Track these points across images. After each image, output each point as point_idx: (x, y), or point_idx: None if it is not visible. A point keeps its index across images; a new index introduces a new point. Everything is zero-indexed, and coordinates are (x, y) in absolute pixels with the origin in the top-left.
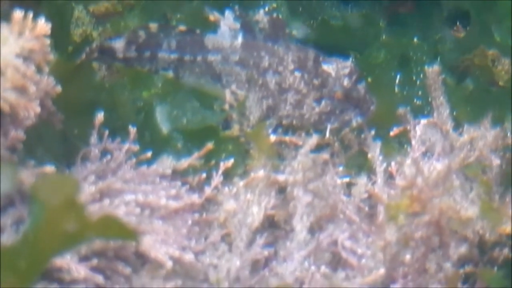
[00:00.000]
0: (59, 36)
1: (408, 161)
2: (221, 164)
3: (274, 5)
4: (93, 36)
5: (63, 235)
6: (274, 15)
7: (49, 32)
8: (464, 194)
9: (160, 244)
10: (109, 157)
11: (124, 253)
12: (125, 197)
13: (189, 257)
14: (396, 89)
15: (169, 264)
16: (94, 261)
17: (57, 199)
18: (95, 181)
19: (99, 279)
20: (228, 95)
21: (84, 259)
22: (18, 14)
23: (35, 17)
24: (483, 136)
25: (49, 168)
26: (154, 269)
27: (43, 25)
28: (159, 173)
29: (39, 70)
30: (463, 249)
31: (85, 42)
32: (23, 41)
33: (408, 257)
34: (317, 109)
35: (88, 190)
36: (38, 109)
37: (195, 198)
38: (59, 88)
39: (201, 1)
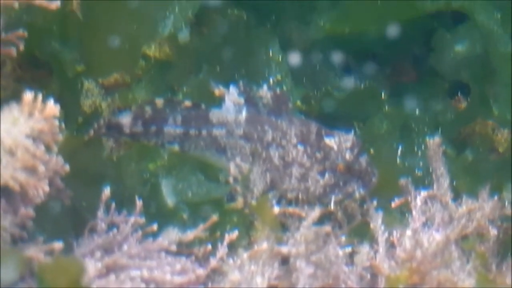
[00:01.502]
0: (69, 107)
1: (409, 232)
2: (226, 235)
3: (279, 77)
4: (102, 107)
5: None
6: (278, 90)
7: (58, 113)
8: (462, 265)
9: None
10: (115, 230)
11: None
12: (131, 273)
13: None
14: (398, 160)
15: None
16: None
17: (63, 282)
18: (101, 257)
19: None
20: (232, 168)
21: None
22: (28, 96)
23: (45, 97)
24: (481, 207)
25: (57, 244)
26: None
27: (52, 107)
28: (165, 247)
29: (48, 150)
30: None
31: (95, 113)
32: (33, 122)
33: None
34: (321, 182)
35: (94, 266)
36: (47, 188)
37: (201, 271)
38: (67, 167)
39: (207, 74)
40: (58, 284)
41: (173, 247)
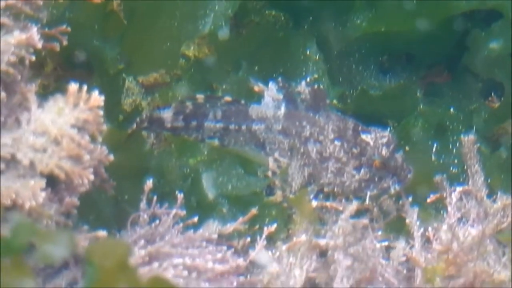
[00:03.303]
0: (111, 106)
1: (444, 226)
2: (265, 228)
3: (316, 75)
4: (142, 105)
5: None
6: (315, 86)
7: (102, 103)
8: (497, 258)
9: None
10: (157, 221)
11: None
12: (173, 261)
13: None
14: (433, 158)
15: None
16: None
17: (110, 262)
18: (145, 245)
19: None
20: (271, 163)
21: None
22: (73, 86)
23: (89, 89)
24: None
25: (101, 233)
26: None
27: (97, 97)
28: (206, 238)
29: (93, 139)
30: None
31: (135, 112)
32: (78, 112)
33: None
34: (357, 177)
35: (138, 253)
36: (91, 177)
37: (240, 261)
38: (111, 157)
39: (246, 72)
40: (105, 265)
41: (214, 237)
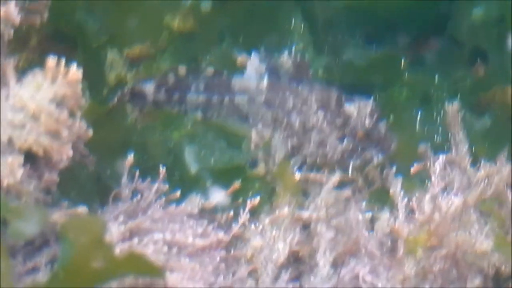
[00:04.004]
0: (94, 79)
1: (427, 196)
2: (248, 202)
3: (301, 46)
4: (126, 78)
5: (91, 272)
6: (298, 57)
7: (80, 78)
8: (480, 228)
9: (187, 280)
10: (139, 197)
11: None
12: (154, 236)
13: None
14: (417, 127)
15: None
16: None
17: (85, 238)
18: (125, 221)
19: None
20: (254, 135)
21: None
22: (51, 61)
23: (68, 63)
24: (499, 171)
25: (82, 209)
26: None
27: (75, 72)
28: (187, 212)
29: (71, 114)
30: (478, 281)
31: (119, 84)
32: (56, 87)
33: None
34: (340, 148)
35: (118, 229)
36: (70, 153)
37: (222, 235)
38: (90, 132)
39: (230, 44)
40: (80, 241)
41: (195, 211)
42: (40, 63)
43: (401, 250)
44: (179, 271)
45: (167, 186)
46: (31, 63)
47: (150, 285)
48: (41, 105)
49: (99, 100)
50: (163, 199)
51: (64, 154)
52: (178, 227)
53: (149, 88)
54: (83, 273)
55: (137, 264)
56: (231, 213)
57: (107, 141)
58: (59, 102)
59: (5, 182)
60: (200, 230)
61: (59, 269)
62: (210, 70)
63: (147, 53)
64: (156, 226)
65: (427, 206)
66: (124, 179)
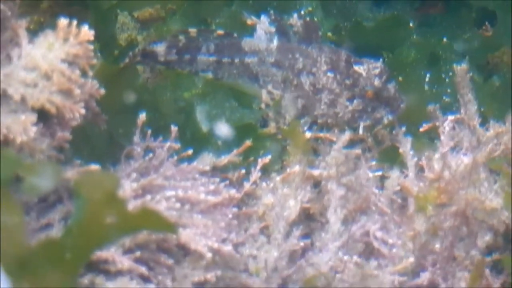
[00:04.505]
0: (106, 41)
1: (437, 155)
2: (259, 160)
3: (310, 8)
4: (137, 40)
5: (104, 228)
6: (308, 18)
7: (92, 38)
8: (489, 185)
9: (199, 236)
10: (151, 155)
11: (166, 245)
12: (166, 193)
13: (227, 248)
14: (426, 87)
15: (209, 255)
16: (138, 253)
17: (98, 194)
18: (137, 178)
19: (143, 270)
20: (264, 95)
21: (128, 251)
22: (63, 21)
23: (80, 24)
24: (507, 130)
25: (94, 167)
26: (195, 260)
27: (87, 32)
28: (199, 170)
29: (83, 74)
30: (488, 237)
31: (130, 46)
32: (68, 47)
33: (436, 246)
34: (350, 108)
35: (130, 186)
36: (82, 111)
37: (233, 193)
38: (102, 91)
39: (240, 6)
40: (94, 197)
41: (207, 169)
42: (51, 25)
43: (411, 208)
44: (192, 227)
45: (179, 145)
46: (42, 25)
47: (162, 241)
48: (53, 64)
49: (110, 61)
50: (175, 157)
51: (76, 112)
52: (191, 184)
53: (160, 49)
54: (97, 229)
55: (151, 220)
56: (243, 171)
57: (119, 100)
58: (71, 62)
59: (18, 140)
60: (211, 187)
61: (73, 225)
62: (220, 32)
63: (157, 16)
64: (168, 183)
65: (436, 164)
66: (136, 137)
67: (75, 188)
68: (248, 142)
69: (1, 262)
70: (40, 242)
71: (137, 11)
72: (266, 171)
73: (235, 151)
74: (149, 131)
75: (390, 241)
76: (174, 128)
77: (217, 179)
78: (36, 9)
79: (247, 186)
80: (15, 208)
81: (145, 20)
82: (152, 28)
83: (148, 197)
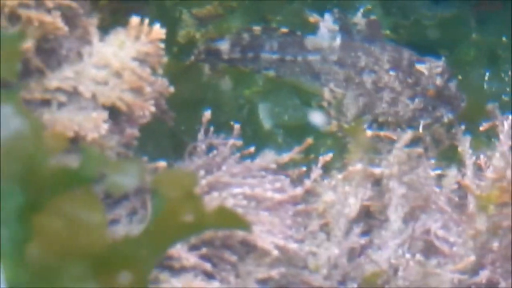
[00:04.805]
0: (167, 38)
1: (497, 154)
2: (320, 158)
3: (369, 6)
4: (196, 37)
5: (181, 226)
6: (371, 17)
7: (164, 36)
8: None
9: (266, 234)
10: (214, 152)
11: (230, 242)
12: (232, 190)
13: (293, 246)
14: (485, 86)
15: (275, 253)
16: (203, 250)
17: (177, 192)
18: (204, 175)
19: (207, 266)
20: (326, 93)
21: (193, 248)
22: (135, 19)
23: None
24: None
25: (162, 164)
26: (259, 257)
27: (159, 30)
28: (263, 167)
29: (153, 72)
30: None
31: (189, 43)
32: (139, 45)
33: (496, 244)
34: (411, 106)
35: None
36: (152, 109)
37: (298, 190)
38: (172, 89)
39: (301, 4)
40: (173, 194)
41: (273, 166)
42: (113, 22)
43: (471, 206)
44: (258, 225)
45: (241, 142)
46: (102, 22)
47: (227, 237)
48: (124, 62)
49: (171, 58)
50: (238, 154)
51: (146, 110)
52: (256, 181)
53: (224, 46)
54: (174, 227)
55: (227, 218)
56: (304, 168)
57: (183, 98)
58: (142, 60)
59: (89, 137)
60: (277, 185)
61: (151, 223)
62: (283, 30)
63: (215, 13)
64: (234, 180)
65: (497, 164)
66: (200, 135)
67: (154, 186)
68: (309, 140)
69: (77, 261)
70: (117, 240)
71: (196, 9)
72: (327, 169)
73: (296, 149)
74: (212, 128)
75: (451, 239)
76: (236, 126)
77: (283, 177)
78: (95, 6)
79: (307, 183)
80: (98, 206)
81: (203, 17)
82: (210, 25)
83: (215, 194)
